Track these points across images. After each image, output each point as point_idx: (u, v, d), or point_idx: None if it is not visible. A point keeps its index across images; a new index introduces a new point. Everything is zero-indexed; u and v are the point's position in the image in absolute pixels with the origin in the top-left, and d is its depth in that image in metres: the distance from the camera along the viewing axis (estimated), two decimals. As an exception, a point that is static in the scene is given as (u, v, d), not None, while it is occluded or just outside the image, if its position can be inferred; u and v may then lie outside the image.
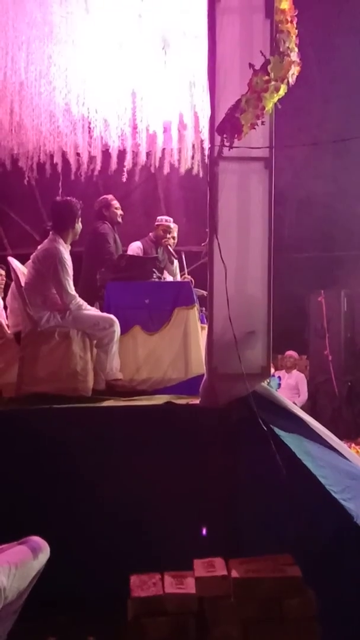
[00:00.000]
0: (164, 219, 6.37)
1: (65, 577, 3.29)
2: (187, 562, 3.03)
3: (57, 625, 3.36)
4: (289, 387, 9.77)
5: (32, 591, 2.76)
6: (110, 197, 6.08)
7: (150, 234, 6.30)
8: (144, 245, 6.18)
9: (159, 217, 6.43)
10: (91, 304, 4.96)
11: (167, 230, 6.26)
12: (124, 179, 6.48)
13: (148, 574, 2.97)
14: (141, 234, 6.46)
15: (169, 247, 6.18)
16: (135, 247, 6.13)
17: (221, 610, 2.81)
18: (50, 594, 3.06)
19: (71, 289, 4.60)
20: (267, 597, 2.81)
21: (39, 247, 4.77)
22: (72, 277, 4.65)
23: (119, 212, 6.00)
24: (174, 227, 6.65)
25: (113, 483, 3.68)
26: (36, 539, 2.85)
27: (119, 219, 5.99)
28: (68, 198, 4.84)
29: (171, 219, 6.44)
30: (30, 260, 4.76)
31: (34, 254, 4.73)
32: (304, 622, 2.78)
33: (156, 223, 6.35)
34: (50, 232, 4.76)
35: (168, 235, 6.23)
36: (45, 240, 4.75)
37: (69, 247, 4.77)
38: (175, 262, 6.28)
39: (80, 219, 4.77)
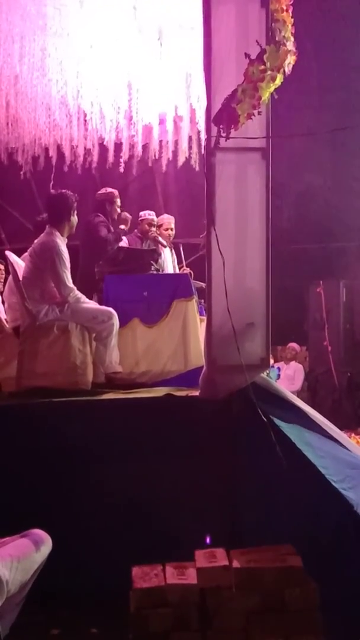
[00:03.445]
0: (146, 213, 6.45)
1: (67, 569, 3.31)
2: (189, 553, 3.04)
3: (60, 618, 3.37)
4: (288, 378, 9.80)
5: (34, 584, 2.77)
6: (115, 193, 6.03)
7: (136, 229, 6.33)
8: (129, 240, 6.20)
9: (141, 213, 6.47)
10: (89, 296, 4.95)
11: (152, 223, 6.33)
12: (121, 172, 6.47)
13: (150, 565, 2.98)
14: (136, 227, 6.46)
15: (157, 239, 6.20)
16: (121, 243, 6.13)
17: (223, 601, 2.81)
18: (53, 587, 3.07)
19: (69, 281, 4.60)
20: (268, 587, 2.82)
21: (35, 240, 4.76)
22: (69, 269, 4.64)
23: (118, 210, 5.99)
24: (170, 218, 6.67)
25: (114, 476, 3.69)
26: (38, 531, 2.85)
27: (115, 216, 5.98)
28: (63, 191, 4.82)
29: (153, 213, 6.48)
30: (27, 254, 4.75)
31: (31, 247, 4.73)
32: (306, 612, 2.79)
33: (140, 219, 6.38)
34: (47, 226, 4.75)
35: (153, 229, 6.27)
36: (42, 234, 4.73)
37: (66, 240, 4.76)
38: (166, 254, 6.29)
39: (75, 212, 4.76)
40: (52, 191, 4.97)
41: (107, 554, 3.54)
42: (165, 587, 2.83)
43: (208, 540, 3.34)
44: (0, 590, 2.52)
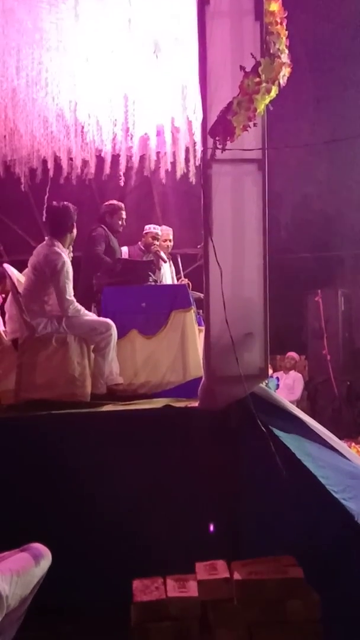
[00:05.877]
0: (151, 227, 6.49)
1: (68, 583, 3.29)
2: (190, 565, 3.02)
3: (60, 633, 3.35)
4: (287, 387, 9.81)
5: (34, 599, 2.75)
6: (119, 205, 6.01)
7: (139, 242, 6.36)
8: (130, 251, 6.22)
9: (146, 226, 6.51)
10: (88, 307, 4.95)
11: (156, 237, 6.36)
12: (119, 183, 6.50)
13: (150, 578, 2.96)
14: (136, 238, 6.49)
15: (158, 253, 6.23)
16: (123, 252, 6.16)
17: (224, 613, 2.80)
18: (53, 601, 3.05)
19: (70, 294, 4.60)
20: (270, 599, 2.80)
21: (35, 252, 4.74)
22: (72, 282, 4.64)
23: (121, 222, 5.96)
24: (168, 230, 6.70)
25: (113, 488, 3.68)
26: (37, 545, 2.84)
27: (120, 229, 5.97)
28: (65, 203, 4.82)
29: (158, 227, 6.51)
30: (29, 267, 4.71)
31: (32, 259, 4.69)
32: (308, 624, 2.77)
33: (144, 232, 6.42)
34: (47, 237, 4.74)
35: (156, 242, 6.31)
36: (43, 246, 4.71)
37: (69, 252, 4.77)
38: (164, 268, 6.31)
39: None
40: (54, 203, 4.94)
41: (108, 567, 3.52)
42: (166, 601, 2.81)
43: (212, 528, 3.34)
44: (0, 604, 2.51)
